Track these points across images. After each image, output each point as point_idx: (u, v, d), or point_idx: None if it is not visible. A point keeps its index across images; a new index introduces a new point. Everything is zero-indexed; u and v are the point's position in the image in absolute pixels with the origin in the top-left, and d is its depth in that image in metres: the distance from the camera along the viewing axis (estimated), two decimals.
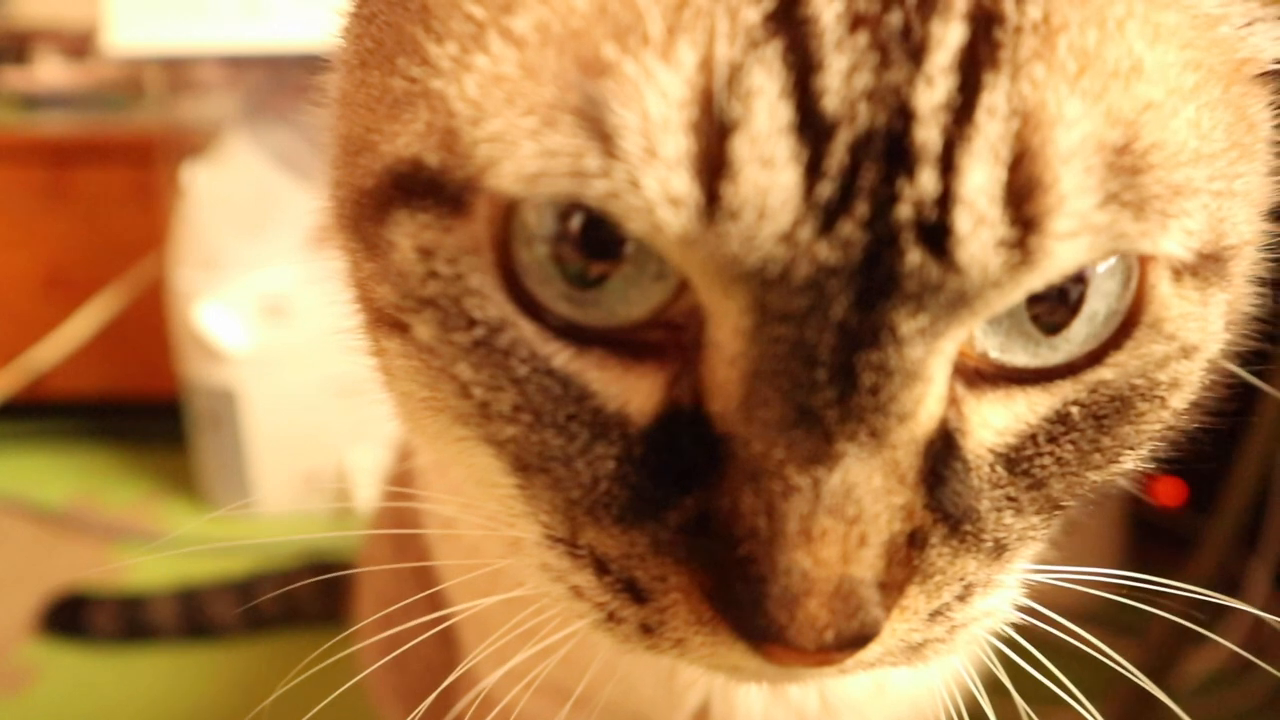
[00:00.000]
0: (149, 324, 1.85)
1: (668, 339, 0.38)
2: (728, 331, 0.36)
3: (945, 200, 0.33)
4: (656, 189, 0.33)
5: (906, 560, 0.38)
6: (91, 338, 1.92)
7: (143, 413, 1.99)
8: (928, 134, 0.33)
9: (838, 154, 0.33)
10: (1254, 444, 1.11)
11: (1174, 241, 0.37)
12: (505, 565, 0.55)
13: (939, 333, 0.36)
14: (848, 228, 0.34)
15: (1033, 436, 0.40)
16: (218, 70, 1.74)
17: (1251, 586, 1.43)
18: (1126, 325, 0.39)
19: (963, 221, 0.33)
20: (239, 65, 1.71)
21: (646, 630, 0.40)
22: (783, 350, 0.35)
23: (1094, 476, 0.43)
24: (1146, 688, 1.28)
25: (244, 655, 1.47)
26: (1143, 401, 0.41)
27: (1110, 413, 0.41)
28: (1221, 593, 1.41)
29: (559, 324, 0.38)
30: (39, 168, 1.92)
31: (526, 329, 0.38)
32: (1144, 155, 0.35)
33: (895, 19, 0.34)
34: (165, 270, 1.74)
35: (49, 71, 2.00)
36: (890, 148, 0.33)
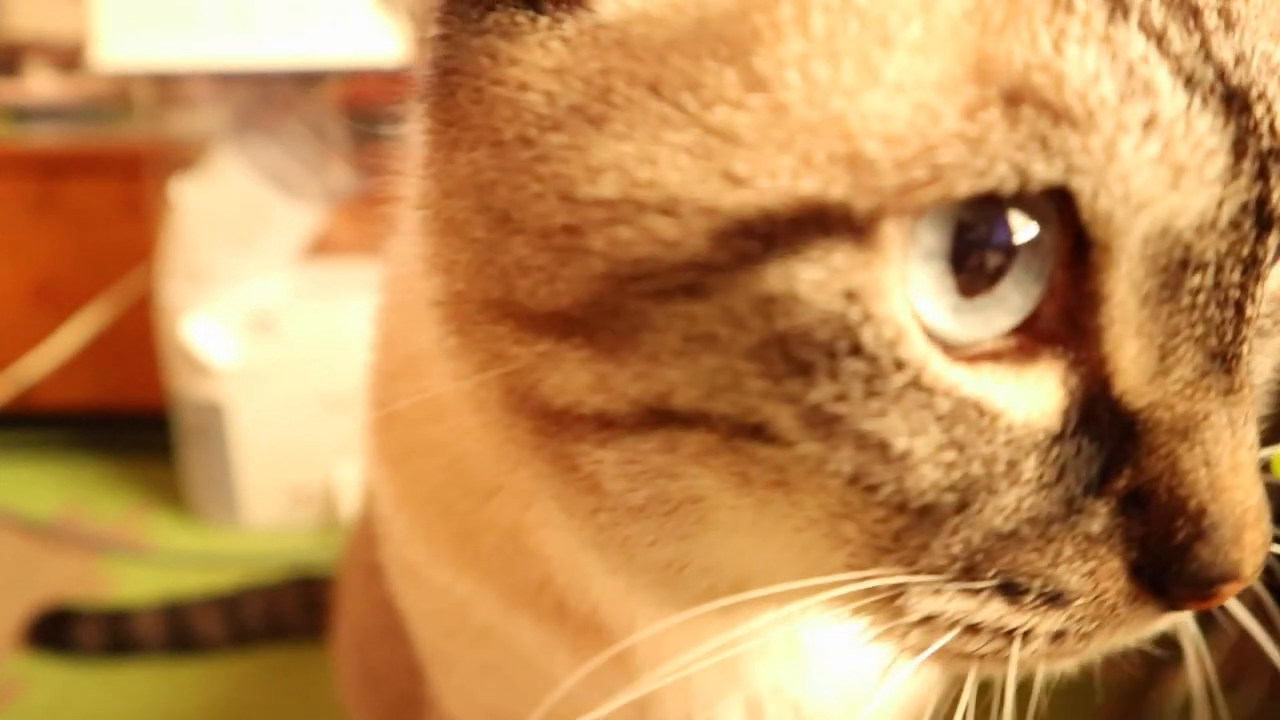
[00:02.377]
0: (138, 336, 1.85)
1: (1031, 339, 0.38)
2: (1133, 305, 0.37)
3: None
4: (1133, 159, 0.34)
5: None
6: (80, 349, 1.92)
7: (131, 425, 1.99)
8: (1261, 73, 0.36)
9: (1216, 98, 0.35)
10: None
11: None
12: (478, 607, 0.56)
13: None
14: (1248, 165, 0.35)
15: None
16: (206, 85, 1.74)
17: (1232, 604, 1.44)
18: None
19: None
20: (227, 80, 1.71)
21: (1057, 638, 0.40)
22: (1201, 300, 0.37)
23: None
24: (1132, 705, 1.27)
25: (229, 670, 1.47)
26: None
27: None
28: (1204, 614, 1.41)
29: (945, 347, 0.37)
30: (29, 180, 1.92)
31: (937, 359, 0.36)
32: None
33: None
34: (154, 283, 1.75)
35: (40, 84, 2.00)
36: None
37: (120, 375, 1.96)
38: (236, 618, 1.50)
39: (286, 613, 1.50)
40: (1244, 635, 1.39)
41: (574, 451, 0.40)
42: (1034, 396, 0.37)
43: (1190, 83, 0.35)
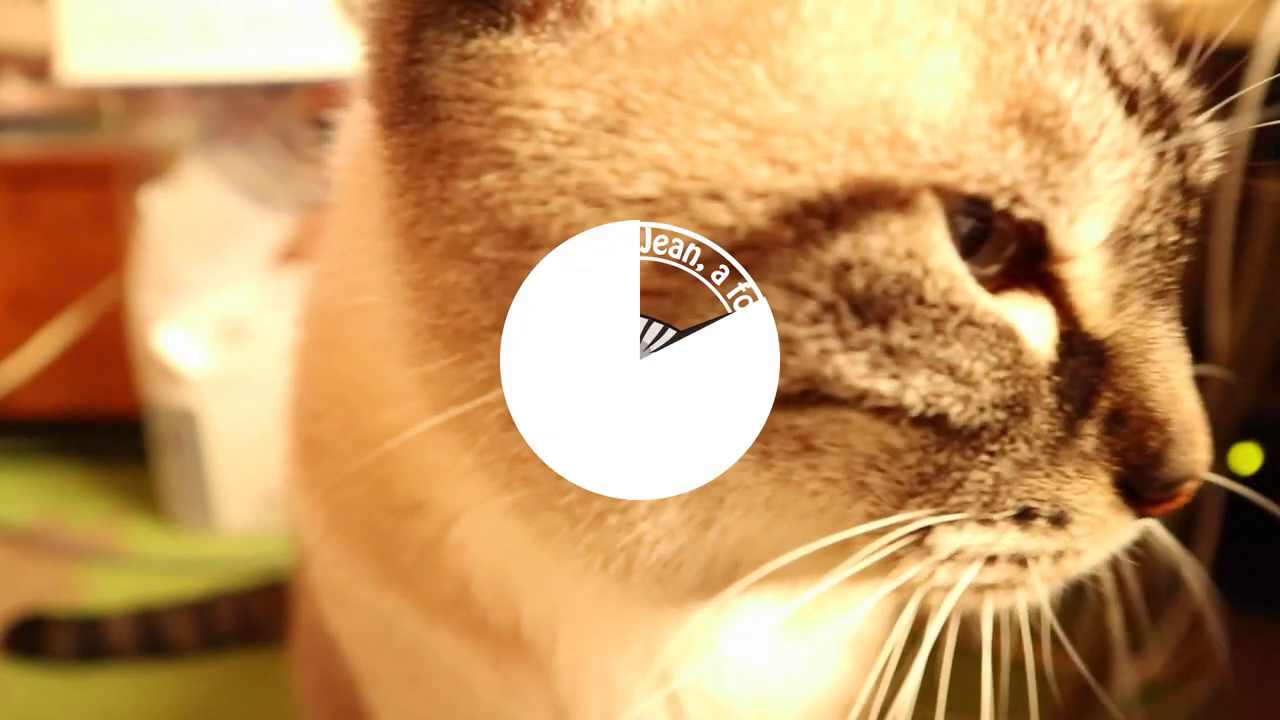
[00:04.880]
0: (113, 343, 1.86)
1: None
2: (1095, 264, 0.43)
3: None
4: (1106, 181, 0.40)
5: None
6: (55, 357, 1.93)
7: (106, 431, 2.01)
8: (1175, 84, 0.44)
9: (1153, 107, 0.42)
10: None
11: None
12: (401, 623, 0.59)
13: None
14: (1172, 151, 0.43)
15: None
16: (175, 95, 1.75)
17: (1188, 583, 1.46)
18: None
19: (1210, 147, 0.45)
20: (196, 91, 1.72)
21: (1057, 558, 0.45)
22: (1144, 259, 0.43)
23: None
24: (1085, 698, 1.29)
25: (201, 674, 1.49)
26: None
27: None
28: (1161, 593, 1.44)
29: None
30: (2, 190, 1.93)
31: (983, 295, 0.41)
32: None
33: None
34: (126, 292, 1.76)
35: (12, 94, 2.01)
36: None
37: (95, 383, 1.97)
38: (208, 622, 1.52)
39: (258, 616, 1.51)
40: (1191, 631, 1.41)
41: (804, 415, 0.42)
42: (1038, 327, 0.43)
43: (1134, 99, 0.41)
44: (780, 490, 0.42)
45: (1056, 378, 0.43)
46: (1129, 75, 0.42)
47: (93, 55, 1.56)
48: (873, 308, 0.39)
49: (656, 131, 0.39)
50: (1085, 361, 0.43)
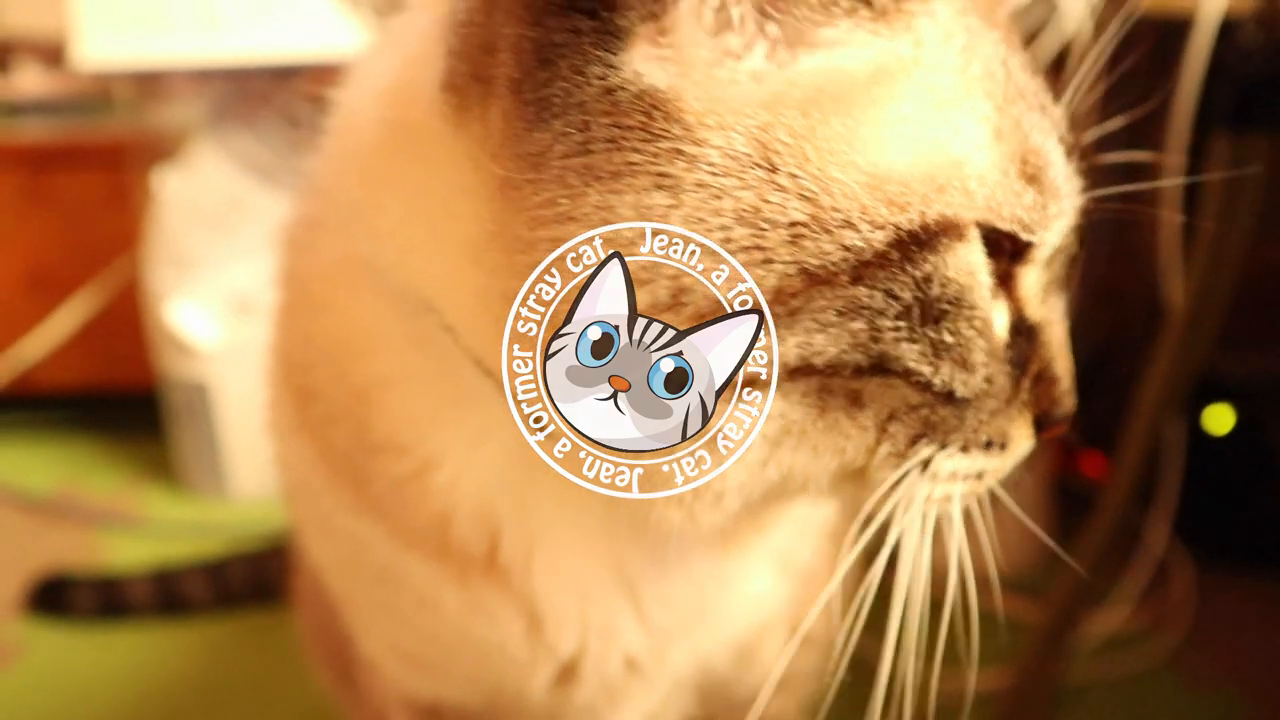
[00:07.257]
0: (128, 319, 1.94)
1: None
2: (1038, 269, 0.56)
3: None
4: (1069, 212, 0.55)
5: None
6: (73, 333, 2.01)
7: (123, 404, 2.08)
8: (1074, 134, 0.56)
9: (1075, 156, 0.56)
10: (1145, 398, 1.18)
11: None
12: (375, 548, 0.66)
13: None
14: (1081, 191, 0.56)
15: None
16: (185, 80, 1.82)
17: (1151, 537, 1.51)
18: None
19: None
20: (205, 75, 1.78)
21: (996, 472, 0.58)
22: (1058, 265, 0.58)
23: None
24: (1049, 649, 1.35)
25: (215, 631, 1.56)
26: None
27: None
28: (1123, 545, 1.51)
29: None
30: (20, 172, 2.00)
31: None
32: None
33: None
34: (140, 269, 1.83)
35: (29, 80, 2.08)
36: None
37: (112, 357, 2.04)
38: (222, 582, 1.59)
39: (269, 576, 1.57)
40: (1155, 583, 1.47)
41: (808, 393, 0.53)
42: (999, 320, 0.55)
43: (1068, 148, 0.54)
44: (826, 435, 0.53)
45: (1009, 352, 0.56)
46: (1061, 130, 0.54)
47: (105, 42, 1.63)
48: (933, 311, 0.50)
49: (799, 169, 0.48)
50: (1024, 339, 0.57)
